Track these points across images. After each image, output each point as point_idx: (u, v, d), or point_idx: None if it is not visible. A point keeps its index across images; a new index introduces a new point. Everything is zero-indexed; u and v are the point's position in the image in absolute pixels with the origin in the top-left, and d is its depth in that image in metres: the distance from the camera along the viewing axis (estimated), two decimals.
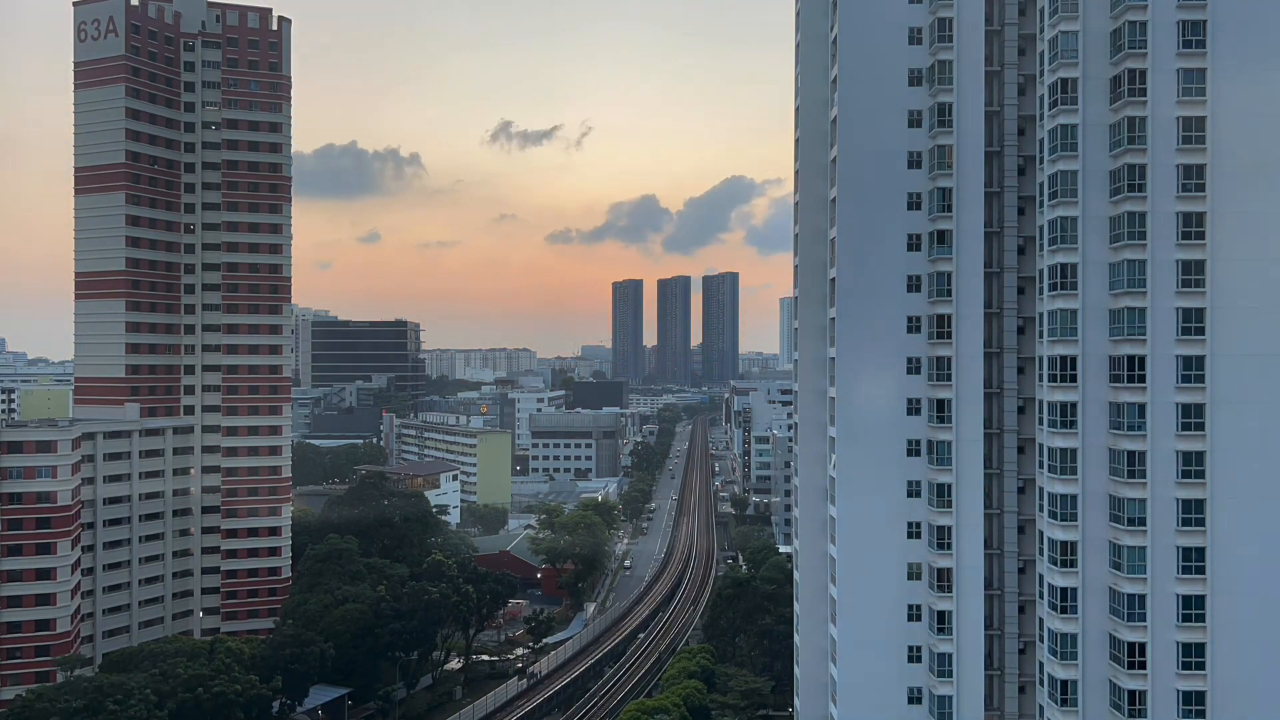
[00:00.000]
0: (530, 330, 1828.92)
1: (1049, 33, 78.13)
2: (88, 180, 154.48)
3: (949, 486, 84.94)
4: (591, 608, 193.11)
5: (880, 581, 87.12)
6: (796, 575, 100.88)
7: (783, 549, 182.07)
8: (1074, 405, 76.23)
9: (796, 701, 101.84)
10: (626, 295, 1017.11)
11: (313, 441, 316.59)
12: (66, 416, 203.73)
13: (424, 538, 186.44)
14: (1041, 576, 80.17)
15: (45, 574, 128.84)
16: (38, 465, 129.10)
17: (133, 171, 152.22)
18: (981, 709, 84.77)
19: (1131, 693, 72.98)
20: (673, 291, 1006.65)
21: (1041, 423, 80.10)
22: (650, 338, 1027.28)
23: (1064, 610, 76.23)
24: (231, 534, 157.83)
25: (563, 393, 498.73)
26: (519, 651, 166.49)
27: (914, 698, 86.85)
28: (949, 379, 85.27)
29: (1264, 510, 72.79)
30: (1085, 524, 76.04)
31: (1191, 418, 73.37)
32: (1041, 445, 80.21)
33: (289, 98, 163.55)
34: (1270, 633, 72.63)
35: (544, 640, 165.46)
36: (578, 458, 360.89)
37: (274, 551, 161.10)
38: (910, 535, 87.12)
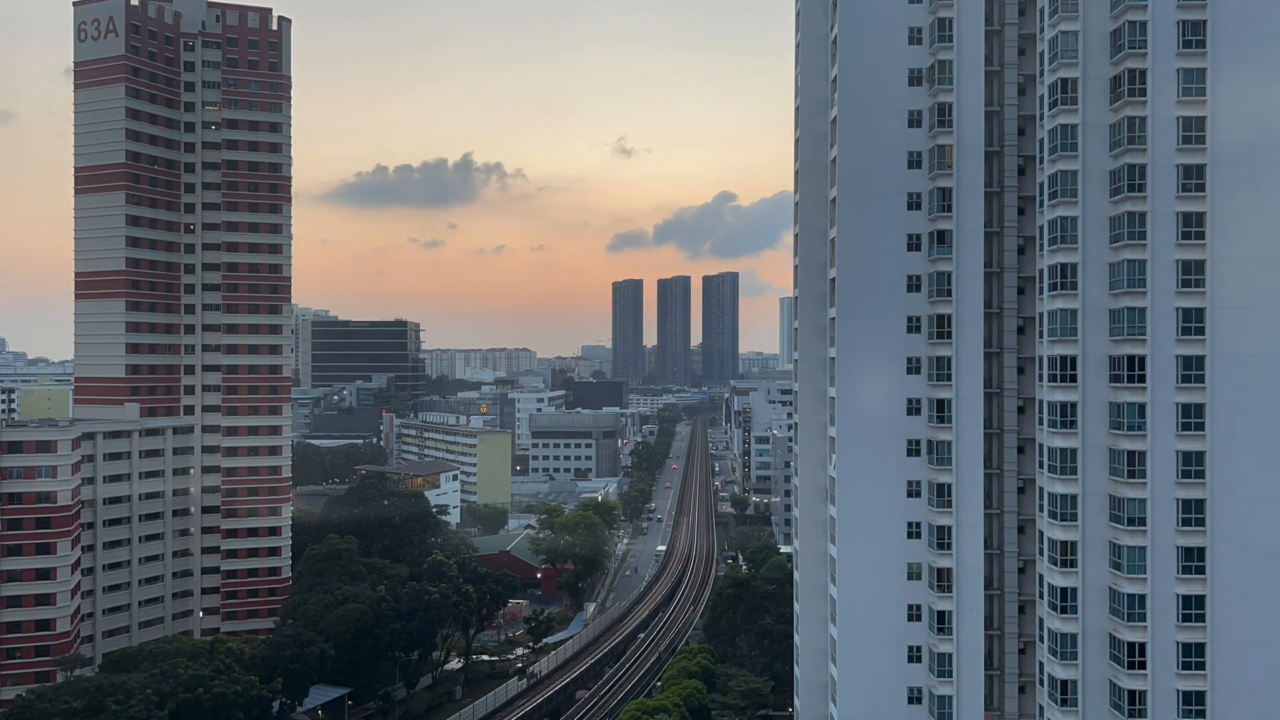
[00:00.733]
0: (530, 330, 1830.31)
1: (1049, 33, 78.13)
2: (88, 180, 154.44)
3: (949, 486, 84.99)
4: (591, 608, 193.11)
5: (880, 581, 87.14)
6: (796, 575, 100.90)
7: (783, 549, 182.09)
8: (1074, 405, 76.23)
9: (796, 701, 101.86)
10: (626, 295, 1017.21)
11: (313, 441, 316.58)
12: (66, 416, 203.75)
13: (424, 538, 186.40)
14: (1041, 576, 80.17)
15: (45, 574, 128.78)
16: (38, 465, 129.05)
17: (133, 171, 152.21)
18: (981, 709, 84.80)
19: (1131, 693, 72.98)
20: (673, 291, 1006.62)
21: (1041, 423, 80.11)
22: (650, 338, 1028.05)
23: (1064, 610, 76.23)
24: (231, 534, 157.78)
25: (563, 393, 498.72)
26: (519, 651, 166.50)
27: (914, 698, 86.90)
28: (949, 379, 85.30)
29: (1264, 510, 72.82)
30: (1085, 524, 76.05)
31: (1191, 418, 73.38)
32: (1041, 445, 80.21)
33: (289, 98, 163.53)
34: (1270, 633, 72.64)
35: (544, 640, 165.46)
36: (578, 458, 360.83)
37: (274, 551, 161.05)
38: (910, 535, 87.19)
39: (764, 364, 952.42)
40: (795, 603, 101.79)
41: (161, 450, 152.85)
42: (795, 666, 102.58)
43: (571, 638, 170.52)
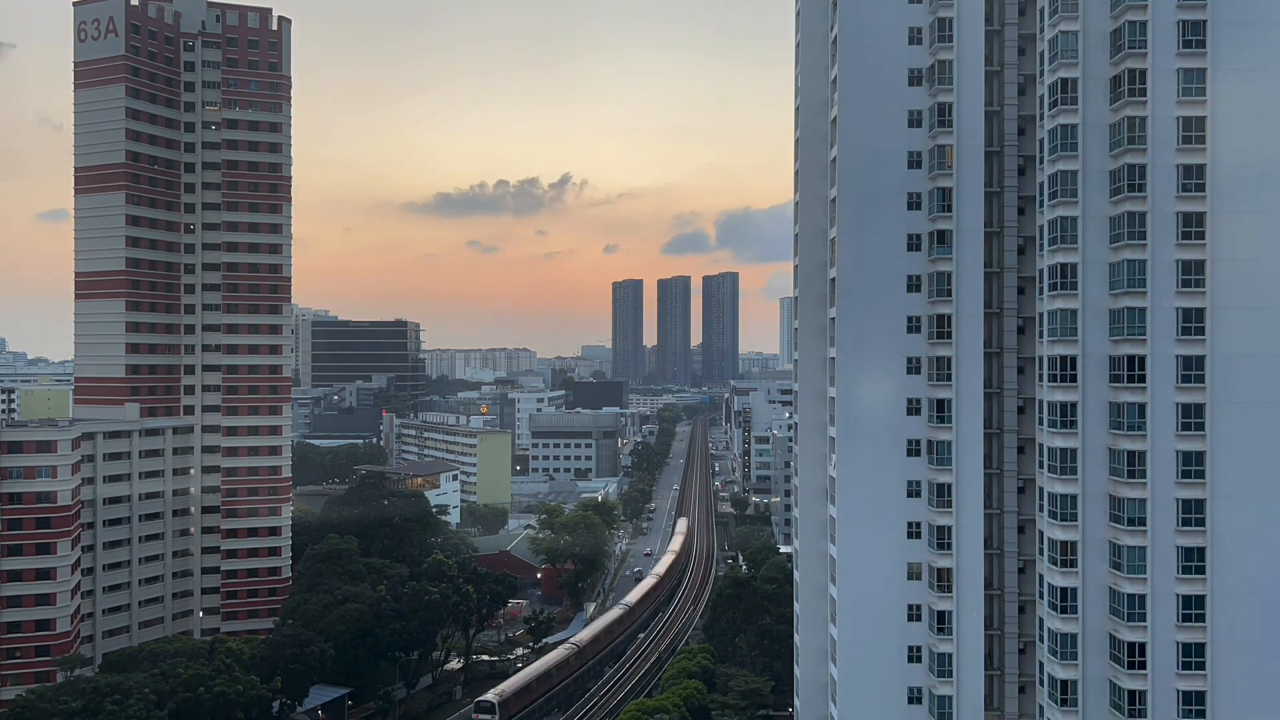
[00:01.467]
0: (530, 330, 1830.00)
1: (1049, 33, 78.13)
2: (88, 180, 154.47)
3: (949, 486, 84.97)
4: (591, 608, 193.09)
5: (880, 581, 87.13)
6: (796, 575, 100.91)
7: (783, 549, 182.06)
8: (1074, 405, 76.23)
9: (796, 701, 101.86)
10: (626, 295, 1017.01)
11: (313, 441, 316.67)
12: (66, 416, 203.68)
13: (424, 538, 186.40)
14: (1041, 576, 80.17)
15: (45, 574, 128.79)
16: (38, 465, 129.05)
17: (133, 171, 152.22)
18: (981, 709, 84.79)
19: (1131, 693, 72.98)
20: (673, 292, 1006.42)
21: (1041, 423, 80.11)
22: (650, 338, 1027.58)
23: (1064, 610, 76.23)
24: (231, 534, 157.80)
25: (563, 393, 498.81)
26: (519, 651, 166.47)
27: (914, 698, 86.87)
28: (949, 379, 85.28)
29: (1264, 510, 72.80)
30: (1085, 524, 76.05)
31: (1191, 418, 73.37)
32: (1041, 445, 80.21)
33: (289, 98, 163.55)
34: (1270, 633, 72.63)
35: (544, 640, 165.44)
36: (578, 458, 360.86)
37: (274, 551, 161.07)
38: (910, 535, 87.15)
39: (764, 364, 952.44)
40: (795, 603, 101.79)
41: (161, 450, 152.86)
42: (795, 666, 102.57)
43: (571, 638, 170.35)
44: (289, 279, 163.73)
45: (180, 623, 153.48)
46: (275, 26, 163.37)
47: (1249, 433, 72.82)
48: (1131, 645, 73.31)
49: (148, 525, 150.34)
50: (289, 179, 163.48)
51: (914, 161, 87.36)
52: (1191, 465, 73.32)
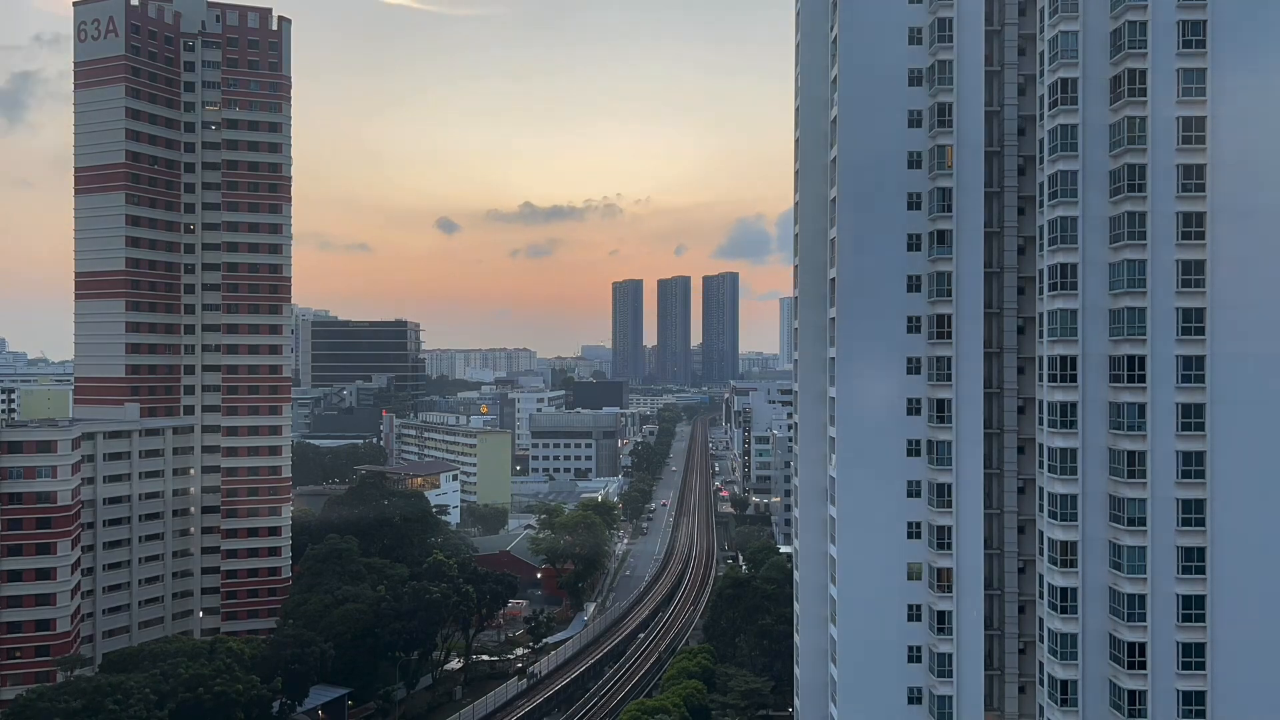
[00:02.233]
0: (530, 330, 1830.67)
1: (1049, 33, 78.15)
2: (88, 180, 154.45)
3: (949, 486, 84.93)
4: (591, 608, 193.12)
5: (880, 581, 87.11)
6: (796, 575, 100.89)
7: (783, 549, 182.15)
8: (1074, 405, 76.25)
9: (796, 701, 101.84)
10: (626, 295, 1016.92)
11: (313, 441, 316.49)
12: (66, 416, 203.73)
13: (424, 538, 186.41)
14: (1041, 576, 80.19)
15: (45, 574, 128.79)
16: (38, 465, 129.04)
17: (133, 171, 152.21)
18: (981, 709, 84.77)
19: (1131, 693, 72.99)
20: (673, 292, 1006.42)
21: (1041, 423, 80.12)
22: (650, 338, 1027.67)
23: (1064, 610, 76.24)
24: (231, 534, 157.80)
25: (563, 393, 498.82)
26: (519, 651, 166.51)
27: (914, 698, 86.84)
28: (949, 379, 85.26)
29: (1264, 510, 72.80)
30: (1085, 524, 76.08)
31: (1191, 418, 73.39)
32: (1041, 445, 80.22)
33: (289, 98, 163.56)
34: (1270, 633, 72.64)
35: (544, 640, 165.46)
36: (578, 458, 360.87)
37: (274, 551, 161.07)
38: (910, 535, 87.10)
39: (764, 364, 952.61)
40: (795, 603, 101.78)
41: (161, 450, 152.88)
42: (795, 666, 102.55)
43: (571, 638, 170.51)
44: (289, 279, 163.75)
45: (180, 623, 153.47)
46: (275, 26, 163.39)
47: (1249, 433, 72.83)
48: (1131, 645, 73.32)
49: (148, 525, 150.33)
50: (289, 179, 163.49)
51: (914, 161, 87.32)
52: (1191, 465, 73.34)
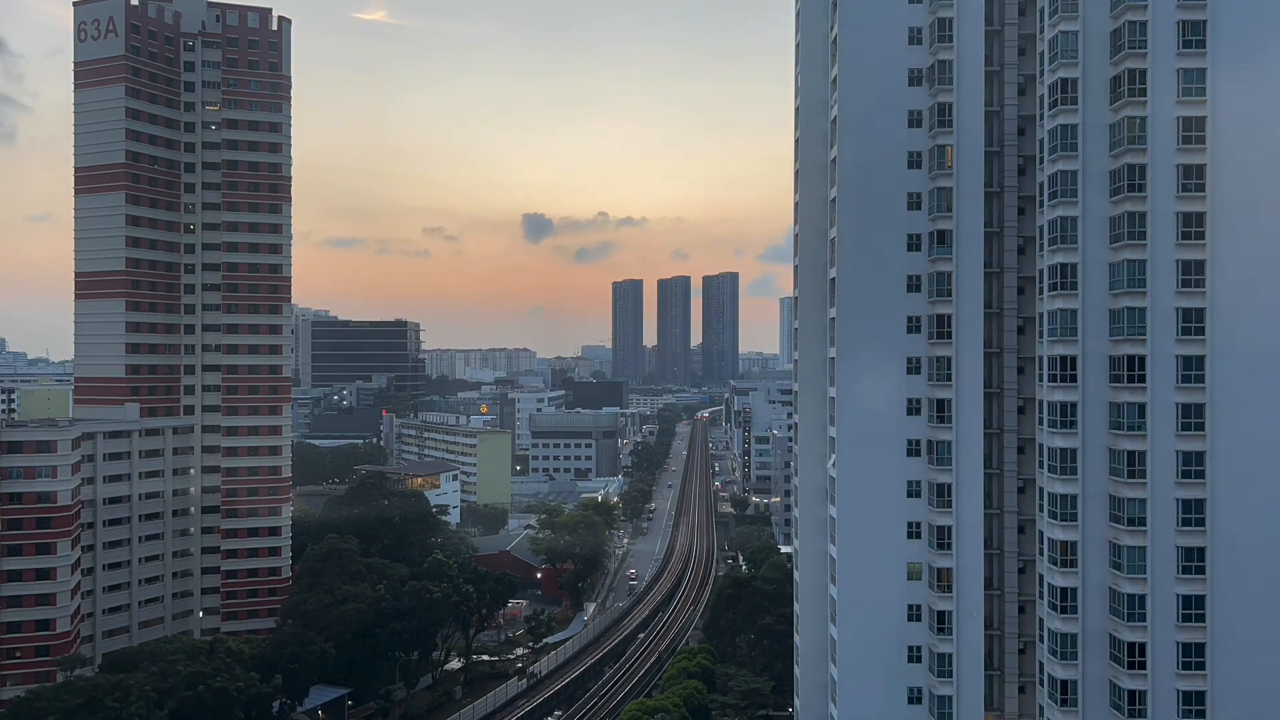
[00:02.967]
0: (530, 330, 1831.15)
1: (1049, 33, 78.15)
2: (88, 180, 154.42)
3: (949, 486, 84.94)
4: (591, 608, 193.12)
5: (880, 581, 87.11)
6: (796, 575, 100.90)
7: (783, 549, 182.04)
8: (1074, 405, 76.27)
9: (796, 701, 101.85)
10: (626, 295, 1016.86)
11: (313, 441, 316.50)
12: (66, 416, 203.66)
13: (424, 538, 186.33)
14: (1041, 576, 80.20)
15: (45, 574, 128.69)
16: (38, 465, 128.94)
17: (133, 171, 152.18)
18: (981, 709, 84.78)
19: (1131, 693, 73.00)
20: (673, 292, 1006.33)
21: (1041, 423, 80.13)
22: (650, 338, 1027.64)
23: (1064, 610, 76.25)
24: (231, 534, 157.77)
25: (563, 393, 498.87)
26: (519, 651, 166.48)
27: (914, 698, 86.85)
28: (949, 379, 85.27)
29: (1264, 510, 72.85)
30: (1085, 524, 76.09)
31: (1191, 418, 73.43)
32: (1041, 445, 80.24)
33: (289, 98, 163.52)
34: (1270, 633, 72.66)
35: (544, 640, 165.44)
36: (578, 458, 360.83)
37: (274, 551, 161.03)
38: (910, 535, 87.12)
39: (764, 364, 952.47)
40: (795, 603, 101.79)
41: (161, 450, 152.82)
42: (795, 666, 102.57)
43: (571, 638, 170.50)
44: (289, 279, 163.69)
45: (180, 623, 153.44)
46: (275, 27, 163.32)
47: (1249, 433, 72.86)
48: (1131, 645, 73.33)
49: (148, 525, 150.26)
50: (289, 179, 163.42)
51: (914, 161, 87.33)
52: (1191, 465, 73.37)
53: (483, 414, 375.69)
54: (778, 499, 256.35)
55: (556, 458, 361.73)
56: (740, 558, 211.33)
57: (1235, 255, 73.15)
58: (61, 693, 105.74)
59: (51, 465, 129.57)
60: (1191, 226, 73.61)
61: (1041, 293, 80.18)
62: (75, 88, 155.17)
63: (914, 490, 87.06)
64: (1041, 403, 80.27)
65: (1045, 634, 78.94)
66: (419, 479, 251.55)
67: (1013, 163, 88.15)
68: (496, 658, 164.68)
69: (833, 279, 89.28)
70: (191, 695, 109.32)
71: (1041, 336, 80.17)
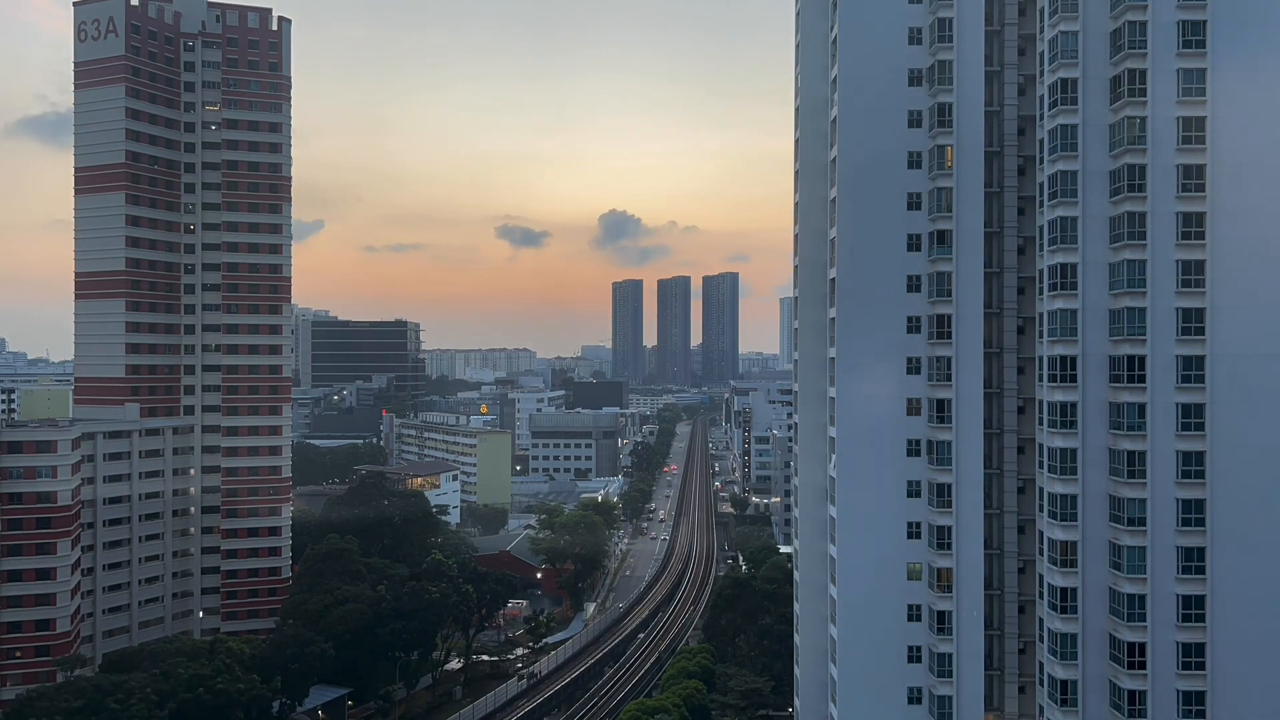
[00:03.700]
0: (530, 330, 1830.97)
1: (1049, 33, 78.16)
2: (88, 180, 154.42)
3: (949, 486, 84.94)
4: (591, 608, 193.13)
5: (880, 581, 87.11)
6: (796, 575, 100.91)
7: (783, 549, 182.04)
8: (1074, 405, 76.26)
9: (796, 701, 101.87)
10: (626, 295, 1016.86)
11: (313, 441, 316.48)
12: (66, 416, 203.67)
13: (424, 538, 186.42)
14: (1041, 576, 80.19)
15: (45, 574, 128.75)
16: (38, 465, 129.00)
17: (133, 171, 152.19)
18: (981, 709, 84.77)
19: (1131, 693, 73.00)
20: (673, 292, 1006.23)
21: (1041, 423, 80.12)
22: (650, 338, 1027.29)
23: (1064, 610, 76.25)
24: (231, 534, 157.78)
25: (563, 393, 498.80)
26: (519, 652, 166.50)
27: (914, 698, 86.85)
28: (949, 379, 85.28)
29: (1264, 510, 72.83)
30: (1085, 524, 76.08)
31: (1191, 418, 73.42)
32: (1041, 445, 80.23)
33: (289, 98, 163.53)
34: (1270, 633, 72.66)
35: (544, 640, 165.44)
36: (578, 458, 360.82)
37: (274, 551, 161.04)
38: (910, 535, 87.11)
39: (764, 364, 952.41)
40: (795, 603, 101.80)
41: (161, 450, 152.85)
42: (795, 666, 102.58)
43: (571, 638, 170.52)
44: (289, 279, 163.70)
45: (180, 623, 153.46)
46: (275, 27, 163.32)
47: (1249, 433, 72.86)
48: (1131, 645, 73.32)
49: (148, 525, 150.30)
50: (289, 179, 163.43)
51: (914, 161, 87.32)
52: (1191, 465, 73.36)
53: (483, 414, 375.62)
54: (778, 499, 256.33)
55: (556, 458, 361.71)
56: (740, 558, 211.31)
57: (1235, 255, 73.15)
58: (63, 693, 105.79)
59: (51, 465, 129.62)
60: (1191, 226, 73.60)
61: (1041, 293, 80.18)
62: (75, 88, 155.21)
63: (914, 490, 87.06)
64: (1041, 403, 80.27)
65: (1045, 634, 78.94)
66: (419, 479, 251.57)
67: (1013, 163, 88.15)
68: (496, 658, 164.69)
69: (833, 279, 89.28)
70: (192, 696, 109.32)
71: (1041, 336, 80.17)
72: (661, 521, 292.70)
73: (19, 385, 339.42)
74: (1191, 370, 73.42)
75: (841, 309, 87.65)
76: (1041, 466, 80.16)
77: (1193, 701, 72.87)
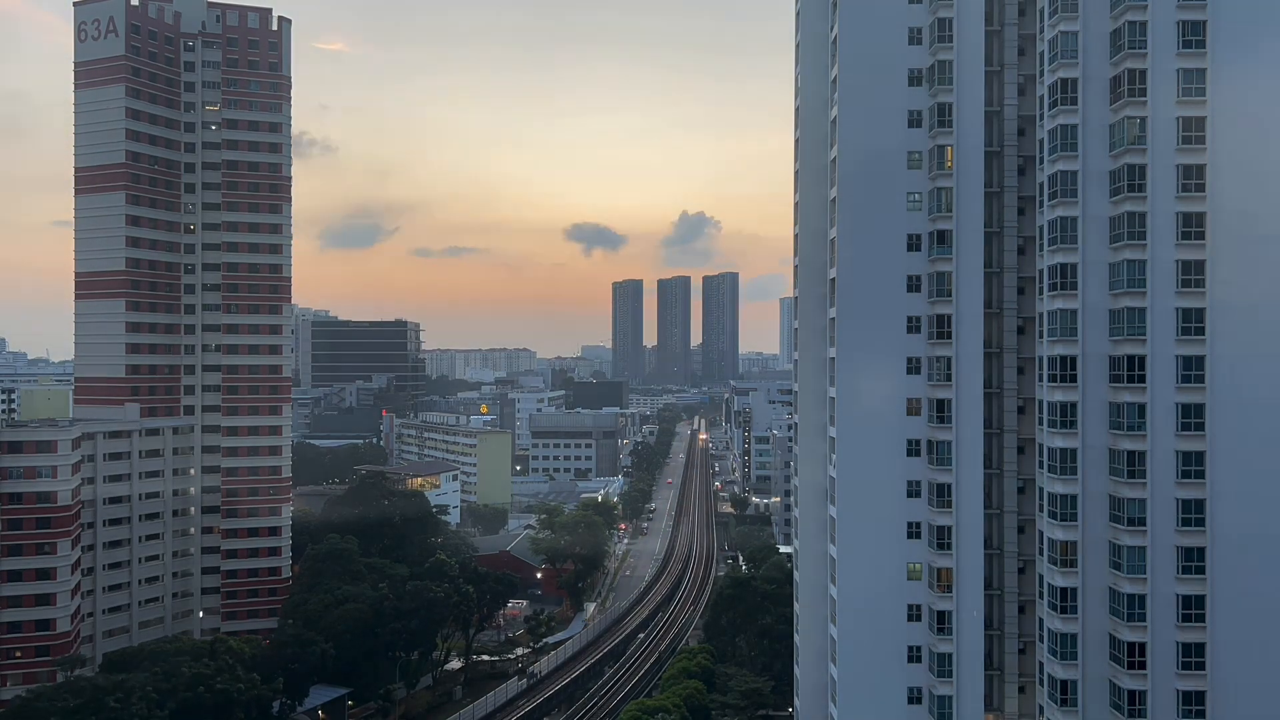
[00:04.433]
0: (530, 330, 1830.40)
1: (1049, 33, 78.17)
2: (88, 180, 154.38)
3: (949, 486, 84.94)
4: (591, 608, 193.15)
5: (880, 581, 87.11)
6: (796, 575, 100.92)
7: (783, 549, 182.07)
8: (1074, 405, 76.28)
9: (796, 701, 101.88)
10: (626, 295, 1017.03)
11: (313, 441, 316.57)
12: (66, 416, 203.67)
13: (424, 538, 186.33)
14: (1041, 576, 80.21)
15: (45, 574, 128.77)
16: (38, 465, 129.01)
17: (133, 171, 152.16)
18: (981, 709, 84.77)
19: (1131, 693, 73.01)
20: (673, 291, 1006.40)
21: (1041, 423, 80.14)
22: (650, 338, 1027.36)
23: (1064, 610, 76.26)
24: (231, 534, 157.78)
25: (563, 393, 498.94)
26: (519, 651, 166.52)
27: (914, 698, 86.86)
28: (949, 379, 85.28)
29: (1264, 510, 72.83)
30: (1085, 524, 76.09)
31: (1191, 418, 73.42)
32: (1041, 445, 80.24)
33: (289, 98, 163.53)
34: (1270, 633, 72.66)
35: (544, 640, 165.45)
36: (578, 458, 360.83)
37: (274, 551, 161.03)
38: (910, 535, 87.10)
39: (764, 364, 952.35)
40: (795, 603, 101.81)
41: (161, 450, 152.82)
42: (795, 666, 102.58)
43: (571, 638, 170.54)
44: (289, 279, 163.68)
45: (180, 623, 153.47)
46: (275, 27, 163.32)
47: (1249, 433, 72.87)
48: (1131, 645, 73.33)
49: (148, 525, 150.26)
50: (289, 179, 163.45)
51: (914, 161, 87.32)
52: (1191, 465, 73.38)
53: (483, 414, 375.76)
54: (778, 499, 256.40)
55: (556, 458, 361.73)
56: (740, 558, 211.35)
57: (1235, 255, 73.17)
58: (63, 693, 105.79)
59: (52, 465, 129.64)
60: (1191, 226, 73.62)
61: (1041, 293, 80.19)
62: (75, 88, 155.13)
63: (914, 490, 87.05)
64: (1041, 403, 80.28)
65: (1045, 634, 78.96)
66: (419, 479, 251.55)
67: (1013, 163, 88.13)
68: (496, 658, 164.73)
69: (833, 279, 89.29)
70: (192, 696, 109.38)
71: (1041, 336, 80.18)
72: (661, 520, 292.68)
73: (19, 385, 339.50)
74: (1191, 370, 73.44)
75: (841, 309, 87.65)
76: (1041, 466, 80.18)
77: (1193, 701, 72.88)
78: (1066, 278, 76.53)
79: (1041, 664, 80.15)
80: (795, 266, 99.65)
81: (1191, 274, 73.58)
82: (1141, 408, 73.77)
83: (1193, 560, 73.25)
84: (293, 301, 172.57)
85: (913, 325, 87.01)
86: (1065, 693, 76.09)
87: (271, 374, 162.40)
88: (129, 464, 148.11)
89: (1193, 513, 73.34)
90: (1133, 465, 73.76)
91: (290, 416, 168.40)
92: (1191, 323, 73.54)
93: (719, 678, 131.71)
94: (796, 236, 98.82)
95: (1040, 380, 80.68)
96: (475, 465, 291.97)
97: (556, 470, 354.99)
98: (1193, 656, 72.97)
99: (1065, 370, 76.61)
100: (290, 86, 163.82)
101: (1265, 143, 73.16)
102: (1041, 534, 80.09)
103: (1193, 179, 73.55)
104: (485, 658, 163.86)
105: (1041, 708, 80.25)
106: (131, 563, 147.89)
